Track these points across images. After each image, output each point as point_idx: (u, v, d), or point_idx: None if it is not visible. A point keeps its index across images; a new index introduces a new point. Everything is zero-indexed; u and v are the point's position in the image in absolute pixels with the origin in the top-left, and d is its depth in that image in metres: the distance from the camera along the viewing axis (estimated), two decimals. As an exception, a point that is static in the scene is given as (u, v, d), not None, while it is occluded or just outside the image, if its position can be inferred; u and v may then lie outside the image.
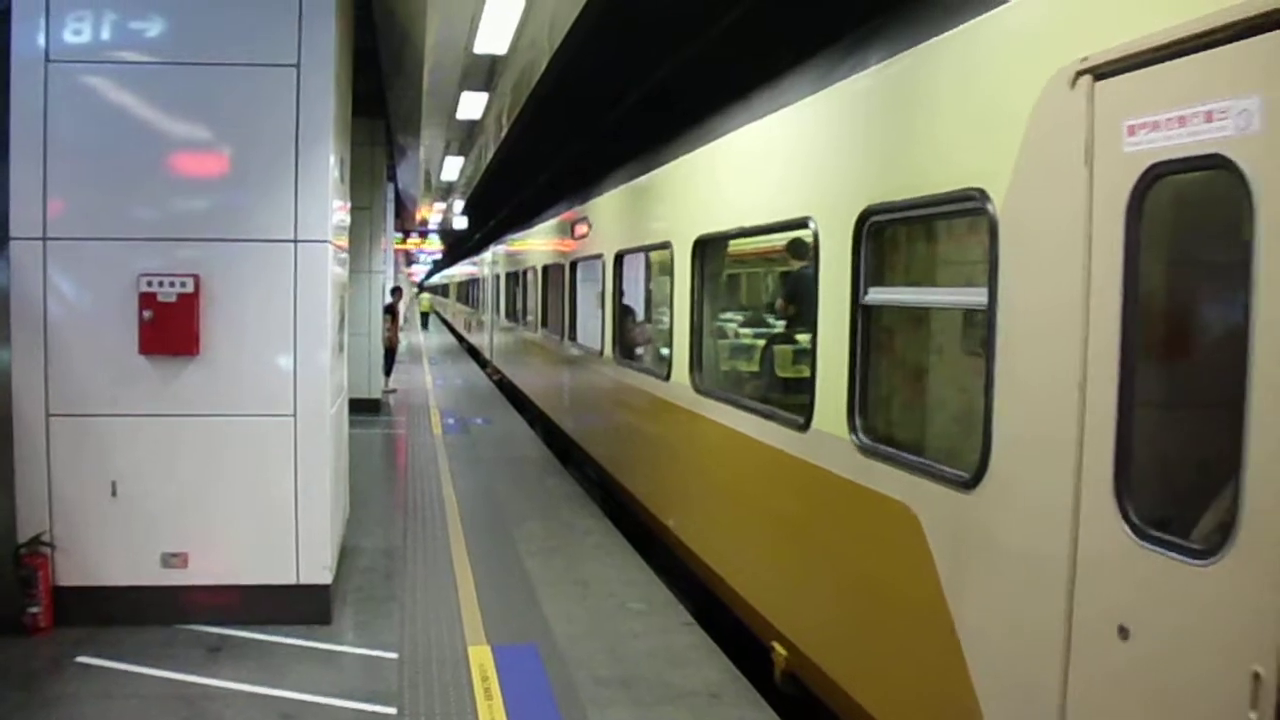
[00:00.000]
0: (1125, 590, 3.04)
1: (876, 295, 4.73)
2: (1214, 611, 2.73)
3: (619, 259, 9.96)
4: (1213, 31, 2.72)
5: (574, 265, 12.44)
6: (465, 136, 16.03)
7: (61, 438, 6.40)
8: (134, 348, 6.37)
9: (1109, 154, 3.13)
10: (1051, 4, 3.50)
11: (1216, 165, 2.75)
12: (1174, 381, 3.23)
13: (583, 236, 11.98)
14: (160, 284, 6.35)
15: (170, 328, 6.35)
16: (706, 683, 5.91)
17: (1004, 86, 3.69)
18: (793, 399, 5.85)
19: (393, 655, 6.20)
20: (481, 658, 6.18)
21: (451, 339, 42.85)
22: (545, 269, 14.95)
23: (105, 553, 6.47)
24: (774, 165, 5.98)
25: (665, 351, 8.24)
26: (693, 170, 7.55)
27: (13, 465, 6.38)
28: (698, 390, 7.31)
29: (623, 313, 10.22)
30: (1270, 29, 2.57)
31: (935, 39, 4.20)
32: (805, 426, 5.33)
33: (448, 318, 52.83)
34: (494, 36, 8.82)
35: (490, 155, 18.34)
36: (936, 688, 4.03)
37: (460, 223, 34.19)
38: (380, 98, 13.83)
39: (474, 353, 32.00)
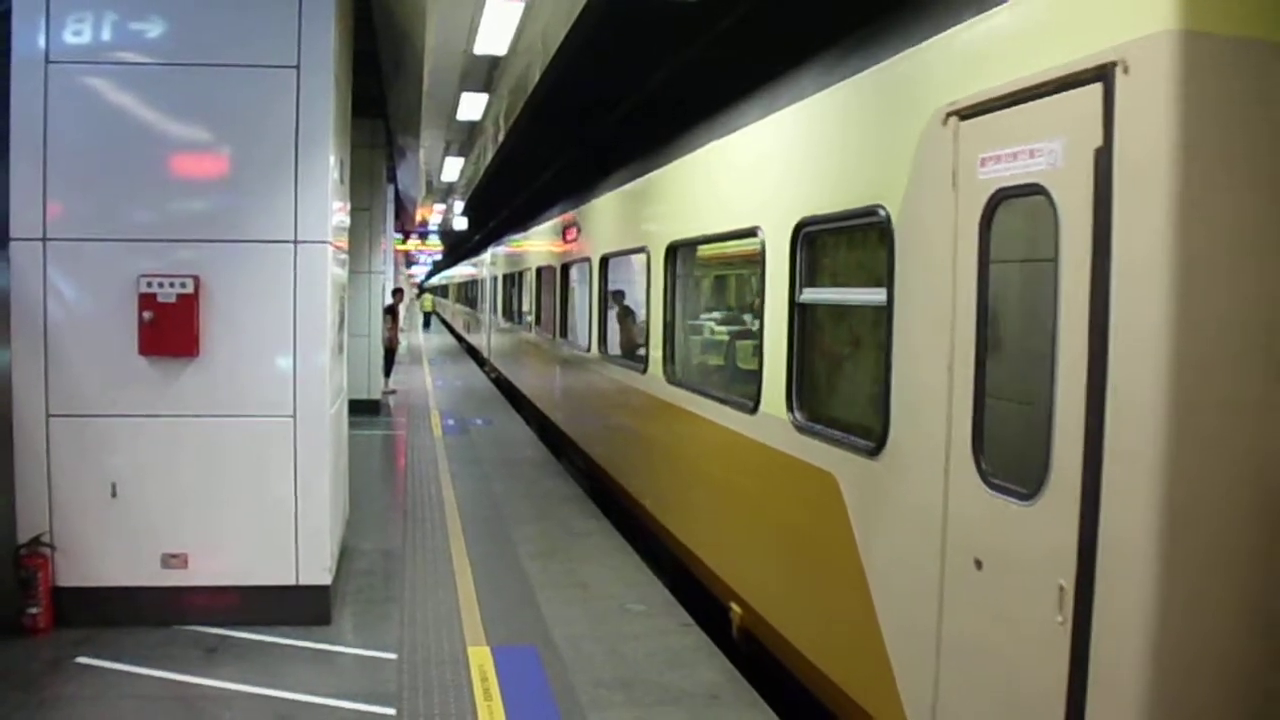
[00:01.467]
0: (981, 529, 3.81)
1: (809, 295, 5.54)
2: (1034, 540, 3.50)
3: (604, 262, 10.64)
4: (1036, 87, 3.46)
5: (564, 268, 13.19)
6: (465, 137, 16.03)
7: (61, 438, 6.41)
8: (134, 348, 6.38)
9: (968, 180, 3.88)
10: (931, 57, 4.25)
11: (1037, 192, 3.49)
12: (1010, 363, 3.93)
13: (572, 241, 12.73)
14: (160, 285, 6.35)
15: (170, 329, 6.36)
16: (706, 684, 5.91)
17: (899, 122, 4.44)
18: (747, 387, 6.39)
19: (392, 656, 6.20)
20: (481, 659, 6.18)
21: (451, 340, 42.84)
22: (539, 271, 15.70)
23: (105, 553, 6.47)
24: (731, 180, 6.75)
25: (643, 347, 8.94)
26: (666, 182, 8.35)
27: (12, 466, 6.38)
28: (670, 381, 8.05)
29: (607, 312, 10.83)
30: (1069, 88, 3.32)
31: (850, 80, 5.01)
32: (755, 410, 6.08)
33: (447, 318, 53.68)
34: (494, 38, 8.82)
35: (490, 156, 18.34)
36: (851, 624, 4.77)
37: (460, 224, 34.18)
38: (380, 99, 13.84)
39: (473, 353, 32.41)
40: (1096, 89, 3.21)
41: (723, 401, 6.78)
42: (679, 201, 8.07)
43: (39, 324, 6.37)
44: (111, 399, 6.44)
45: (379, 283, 17.47)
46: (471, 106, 12.52)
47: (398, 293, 22.77)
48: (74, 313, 6.43)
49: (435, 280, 73.02)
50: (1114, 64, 3.14)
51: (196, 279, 6.40)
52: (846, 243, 5.47)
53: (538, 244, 16.07)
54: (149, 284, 6.34)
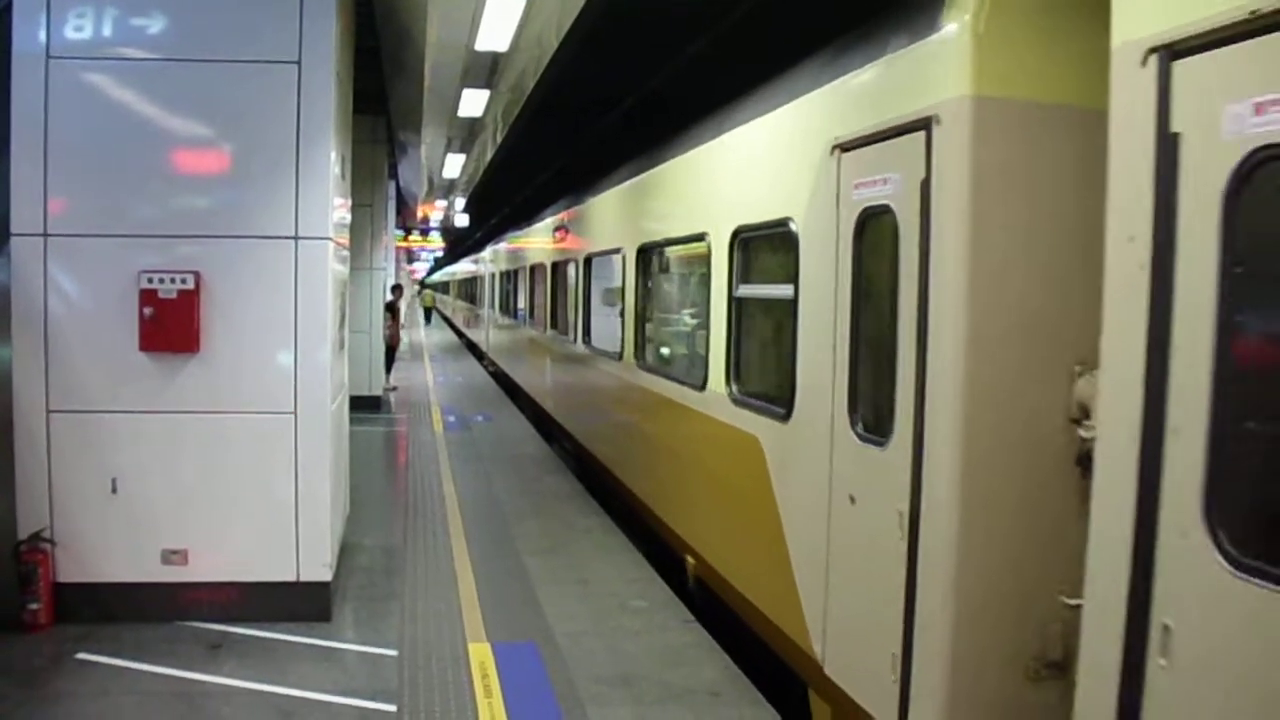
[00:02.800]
0: (853, 472, 4.88)
1: (743, 290, 6.63)
2: (885, 477, 4.52)
3: (588, 261, 11.67)
4: (887, 130, 4.54)
5: (554, 266, 14.26)
6: (467, 134, 16.01)
7: (62, 434, 6.41)
8: (134, 344, 6.37)
9: (846, 200, 4.97)
10: (826, 100, 5.31)
11: (888, 211, 4.57)
12: (872, 343, 4.84)
13: (562, 241, 13.77)
14: (161, 281, 6.35)
15: (171, 325, 6.35)
16: (706, 681, 5.91)
17: (804, 151, 5.45)
18: (698, 369, 7.47)
19: (393, 653, 6.20)
20: (481, 655, 6.18)
21: (452, 336, 42.84)
22: (532, 269, 16.78)
23: (105, 549, 6.47)
24: (688, 192, 7.89)
25: (619, 338, 9.93)
26: (638, 191, 9.46)
27: (13, 462, 6.38)
28: (640, 367, 9.17)
29: (592, 307, 11.77)
30: (906, 133, 4.38)
31: (772, 113, 6.05)
32: (703, 388, 7.20)
33: (447, 314, 54.17)
34: (495, 34, 8.80)
35: (491, 153, 18.32)
36: (770, 557, 5.81)
37: (461, 220, 34.16)
38: (381, 95, 13.81)
39: (473, 348, 32.72)
40: (921, 135, 4.30)
41: (680, 382, 7.91)
42: (648, 209, 9.16)
43: (40, 320, 6.36)
44: (112, 395, 6.44)
45: (380, 279, 17.46)
46: (473, 103, 12.49)
47: (397, 289, 22.72)
48: (75, 308, 6.43)
49: (436, 277, 73.09)
50: (932, 117, 4.22)
51: (197, 275, 6.40)
52: (769, 248, 6.40)
53: (531, 244, 17.12)
54: (150, 280, 6.34)
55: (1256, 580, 2.61)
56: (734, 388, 6.64)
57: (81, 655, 5.97)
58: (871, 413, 4.81)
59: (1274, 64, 2.64)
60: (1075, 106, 3.57)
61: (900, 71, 4.55)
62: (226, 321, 6.50)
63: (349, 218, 8.55)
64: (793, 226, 5.61)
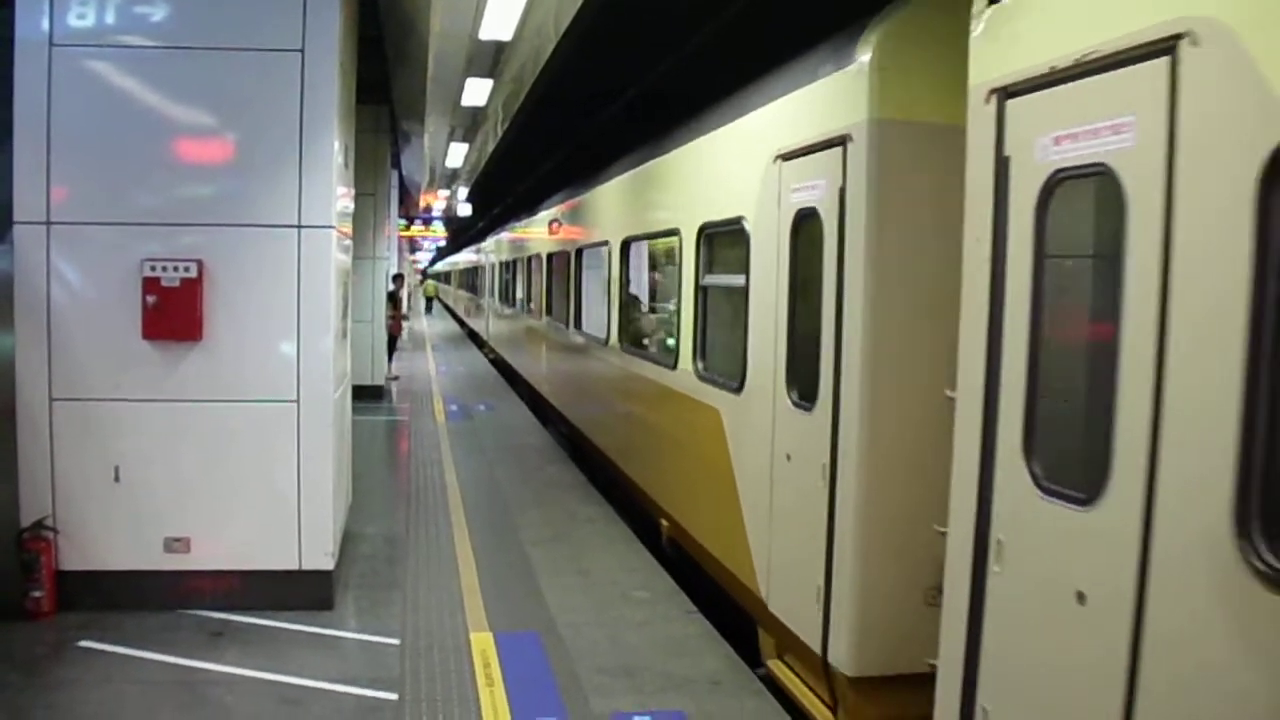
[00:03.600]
0: (789, 434, 5.71)
1: (707, 280, 7.45)
2: (812, 437, 5.35)
3: (579, 253, 12.49)
4: (814, 144, 5.38)
5: (549, 258, 15.09)
6: (470, 123, 15.99)
7: (64, 422, 6.41)
8: (137, 333, 6.37)
9: (785, 202, 5.80)
10: (770, 114, 6.12)
11: (815, 214, 5.37)
12: (803, 326, 5.61)
13: (556, 234, 14.57)
14: (164, 269, 6.34)
15: (173, 313, 6.35)
16: (708, 671, 5.92)
17: (753, 159, 6.26)
18: (670, 351, 8.30)
19: (395, 641, 6.21)
20: (483, 644, 6.19)
21: (454, 326, 42.86)
22: (529, 260, 17.75)
23: (108, 537, 6.48)
24: (664, 192, 8.77)
25: (605, 324, 10.71)
26: (621, 189, 10.34)
27: (15, 450, 6.38)
28: (623, 350, 9.99)
29: (582, 295, 12.53)
30: (828, 148, 5.20)
31: (730, 124, 6.84)
32: (674, 367, 8.02)
33: (449, 303, 54.61)
34: (499, 22, 8.78)
35: (494, 142, 18.29)
36: (726, 512, 6.55)
37: (464, 210, 34.11)
38: (385, 84, 13.79)
39: (474, 337, 33.03)
40: (839, 149, 5.12)
41: (656, 362, 8.69)
42: (630, 206, 10.00)
43: (42, 308, 6.36)
44: (115, 383, 6.44)
45: (383, 269, 17.45)
46: (476, 92, 12.48)
47: (398, 278, 22.69)
48: (77, 297, 6.42)
49: (439, 267, 73.13)
50: (846, 135, 5.06)
51: (200, 263, 6.39)
52: (728, 243, 7.04)
53: (529, 236, 17.95)
54: (152, 268, 6.33)
55: (1058, 501, 3.41)
56: (699, 366, 7.48)
57: (84, 643, 5.98)
58: (803, 384, 5.62)
59: (1065, 107, 3.40)
60: (960, 128, 3.99)
61: (826, 94, 5.36)
62: (229, 310, 6.49)
63: (352, 207, 8.54)
64: (745, 225, 6.42)
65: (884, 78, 4.87)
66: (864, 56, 4.94)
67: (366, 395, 15.25)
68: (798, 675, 5.72)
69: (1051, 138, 3.48)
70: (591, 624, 6.61)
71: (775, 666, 5.97)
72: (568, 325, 13.07)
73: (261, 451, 6.58)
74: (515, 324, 20.17)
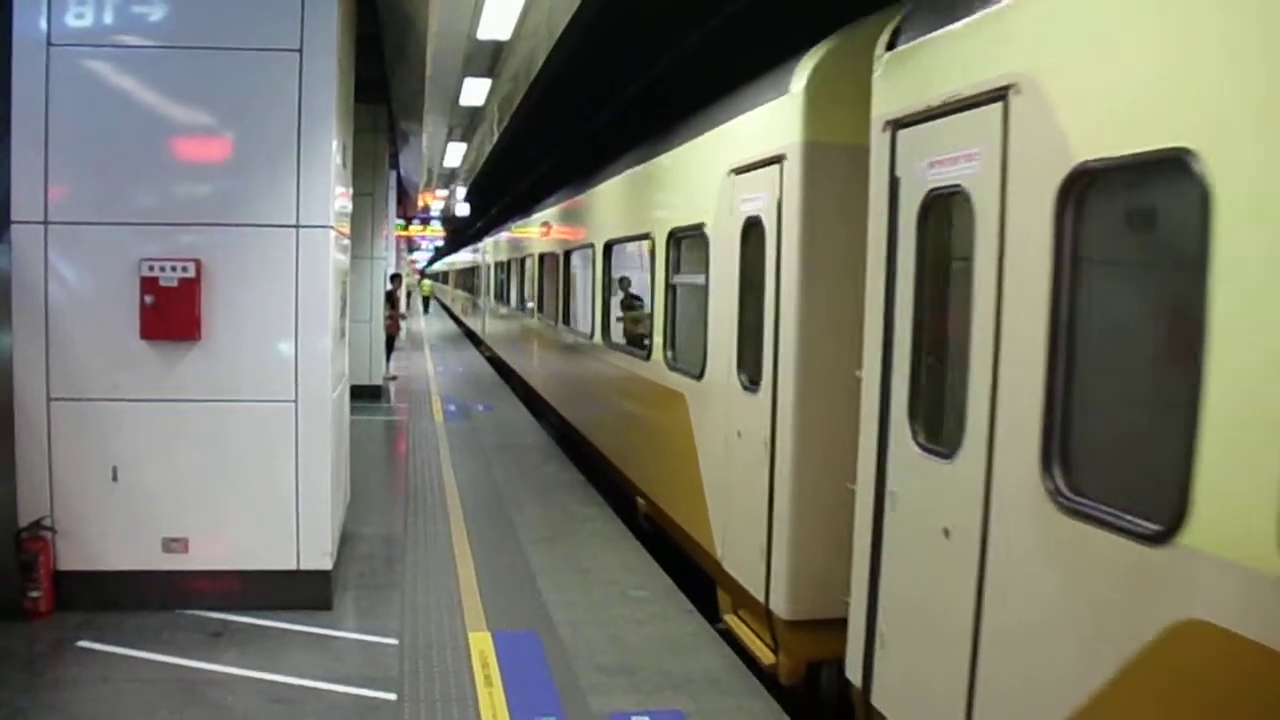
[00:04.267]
0: (740, 413, 6.41)
1: (675, 279, 8.26)
2: (757, 416, 6.07)
3: (568, 254, 13.37)
4: (758, 162, 6.14)
5: (541, 259, 15.99)
6: (468, 123, 15.99)
7: (63, 422, 6.41)
8: (135, 332, 6.37)
9: (736, 211, 6.52)
10: (726, 133, 6.87)
11: (759, 222, 6.17)
12: (751, 320, 6.32)
13: (546, 237, 15.45)
14: (162, 269, 6.34)
15: (171, 313, 6.35)
16: (707, 670, 5.92)
17: (713, 172, 7.02)
18: (644, 344, 9.20)
19: (393, 641, 6.21)
20: (482, 644, 6.19)
21: (452, 326, 42.87)
22: (522, 260, 18.75)
23: (106, 537, 6.48)
24: (639, 200, 9.58)
25: (591, 320, 11.53)
26: (603, 196, 11.17)
27: (14, 450, 6.38)
28: (605, 344, 10.82)
29: (571, 293, 13.39)
30: (768, 165, 5.95)
31: (693, 140, 7.63)
32: (648, 358, 8.82)
33: (447, 303, 55.00)
34: (497, 22, 8.79)
35: (492, 142, 18.29)
36: (691, 487, 7.34)
37: (462, 210, 34.11)
38: (383, 83, 13.78)
39: (472, 336, 33.39)
40: (776, 167, 5.90)
41: (631, 355, 9.53)
42: (612, 212, 10.80)
43: (40, 308, 6.36)
44: (113, 383, 6.44)
45: (381, 268, 17.45)
46: (474, 92, 12.48)
47: (396, 278, 22.68)
48: (75, 296, 6.42)
49: (436, 266, 73.25)
50: (782, 155, 5.82)
51: (198, 263, 6.39)
52: (693, 246, 7.80)
53: (522, 238, 18.93)
54: (151, 268, 6.33)
55: (931, 456, 4.24)
56: (669, 356, 8.29)
57: (82, 643, 5.98)
58: (750, 370, 6.36)
59: (937, 138, 4.17)
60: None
61: (767, 118, 6.12)
62: (227, 310, 6.49)
63: (350, 206, 8.54)
64: (706, 230, 7.18)
65: (812, 106, 5.65)
66: (796, 87, 5.72)
67: (365, 395, 15.25)
68: (749, 627, 6.46)
69: (928, 162, 4.27)
70: (590, 623, 6.61)
71: (730, 620, 6.73)
72: (557, 323, 13.98)
73: (260, 451, 6.57)
74: (509, 322, 21.11)
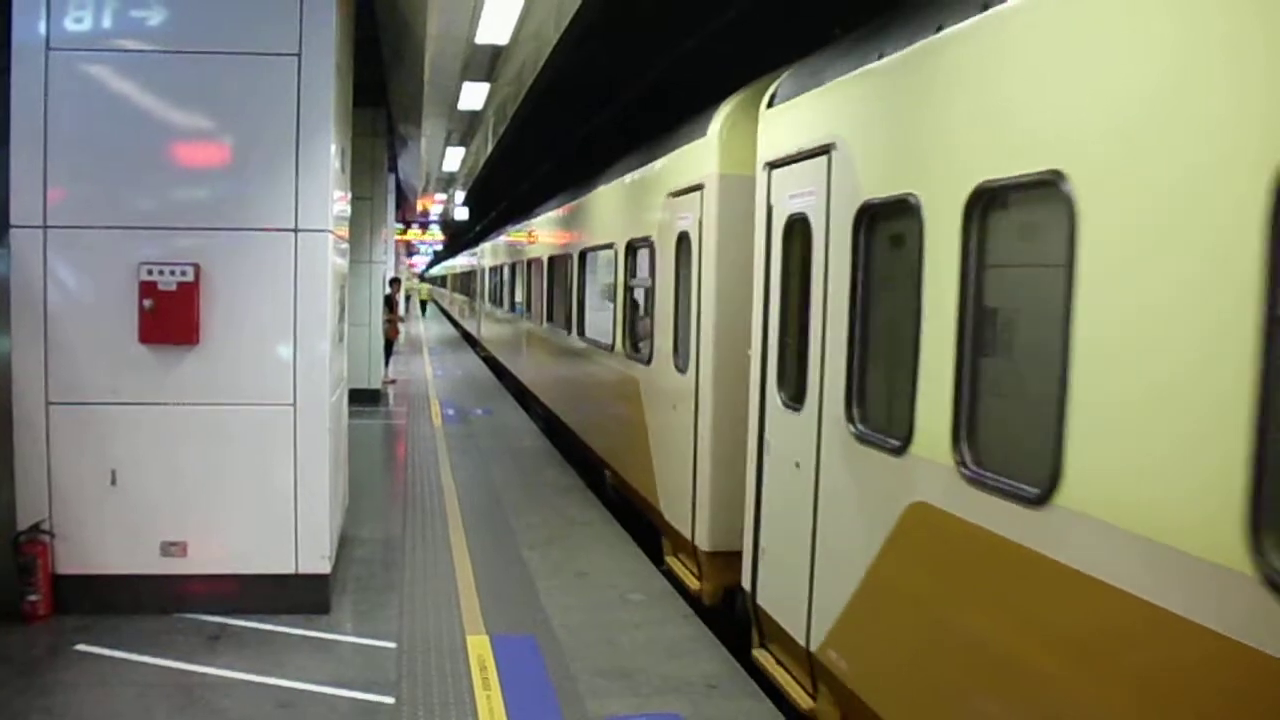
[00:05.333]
0: (675, 391, 7.79)
1: (631, 282, 9.72)
2: (687, 391, 7.45)
3: (551, 261, 14.99)
4: (686, 189, 7.64)
5: (528, 264, 17.74)
6: (467, 127, 15.99)
7: (61, 426, 6.41)
8: (134, 336, 6.38)
9: (672, 226, 7.97)
10: (668, 163, 8.38)
11: (688, 236, 7.60)
12: (682, 316, 7.76)
13: (533, 244, 17.21)
14: (160, 273, 6.35)
15: (170, 316, 6.36)
16: (704, 674, 5.92)
17: (658, 194, 8.55)
18: (609, 338, 10.57)
19: (391, 645, 6.22)
20: (480, 648, 6.19)
21: (450, 330, 42.88)
22: (514, 265, 20.48)
23: (104, 541, 6.48)
24: (608, 214, 11.06)
25: (569, 319, 13.04)
26: (579, 209, 12.91)
27: (12, 453, 6.39)
28: (580, 339, 12.32)
29: (553, 296, 14.82)
30: (693, 191, 7.44)
31: (645, 166, 9.23)
32: (612, 350, 10.33)
33: (445, 306, 56.15)
34: (495, 27, 8.80)
35: (491, 147, 18.30)
36: (642, 454, 8.88)
37: (461, 214, 34.10)
38: (382, 87, 13.80)
39: (469, 339, 34.13)
40: (699, 192, 7.37)
41: (602, 347, 11.00)
42: (585, 224, 12.48)
43: (39, 312, 6.36)
44: (112, 387, 6.44)
45: (380, 272, 17.46)
46: (473, 96, 12.49)
47: (395, 282, 22.67)
48: (74, 300, 6.43)
49: (435, 271, 73.49)
50: (702, 184, 7.31)
51: (197, 267, 6.40)
52: (645, 255, 9.21)
53: (514, 244, 20.66)
54: (149, 272, 6.34)
55: (788, 410, 5.72)
56: (626, 347, 9.80)
57: (80, 646, 5.98)
58: (682, 355, 7.79)
59: (794, 179, 5.65)
60: None
61: (694, 154, 7.63)
62: (226, 313, 6.50)
63: (348, 210, 8.55)
64: (652, 241, 8.77)
65: (724, 147, 7.11)
66: (713, 131, 7.21)
67: (363, 399, 15.26)
68: (683, 564, 7.83)
69: (789, 195, 5.75)
70: (588, 627, 6.62)
71: (671, 561, 8.10)
72: (541, 322, 15.73)
73: (258, 455, 6.58)
74: (502, 323, 23.04)
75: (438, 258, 70.44)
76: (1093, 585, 3.16)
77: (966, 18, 4.01)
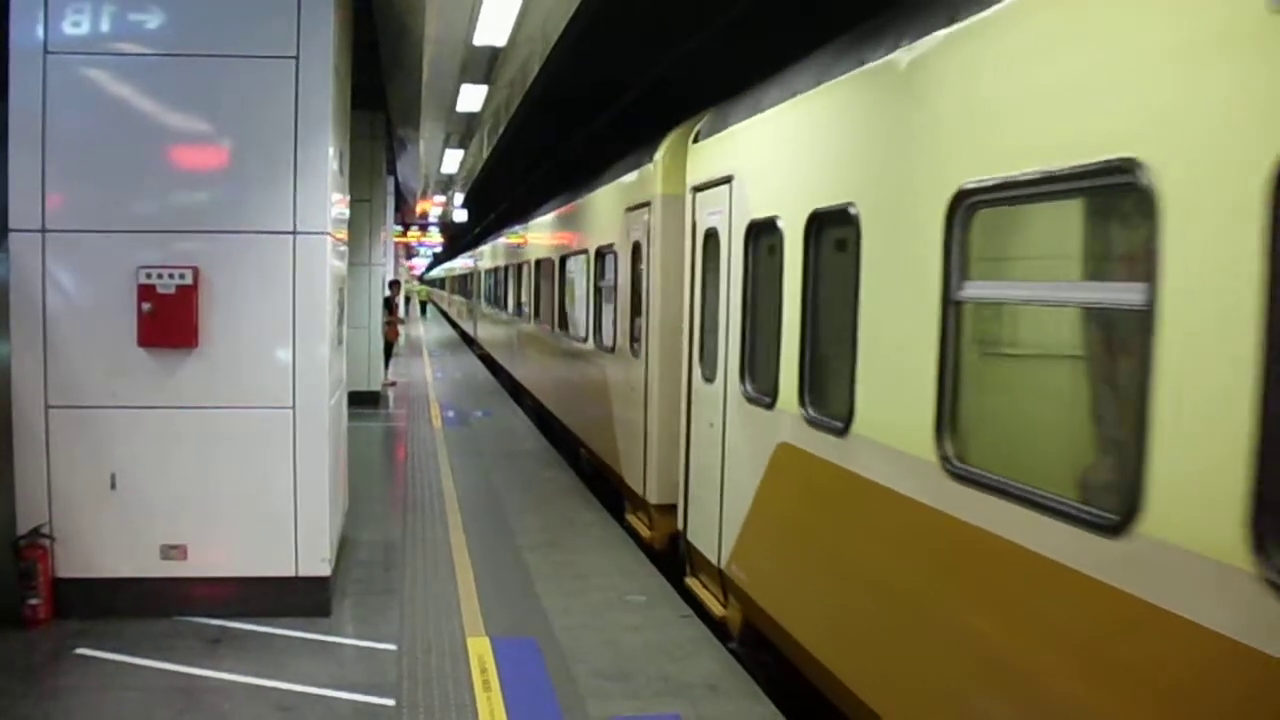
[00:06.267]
0: (630, 374, 9.47)
1: (599, 283, 11.16)
2: (639, 372, 9.21)
3: (538, 264, 16.58)
4: (639, 205, 9.40)
5: (519, 267, 19.42)
6: (465, 129, 15.99)
7: (61, 430, 6.41)
8: (133, 340, 6.38)
9: (628, 236, 9.77)
10: (626, 185, 9.91)
11: (640, 245, 9.30)
12: (636, 311, 9.34)
13: (522, 249, 19.00)
14: (159, 276, 6.35)
15: (169, 320, 6.36)
16: (705, 675, 5.92)
17: (618, 209, 10.17)
18: (584, 331, 12.05)
19: (392, 647, 6.22)
20: (480, 650, 6.19)
21: (450, 331, 42.90)
22: (506, 268, 22.06)
23: (104, 544, 6.48)
24: (580, 224, 12.82)
25: (553, 316, 14.75)
26: (558, 220, 14.69)
27: (12, 457, 6.38)
28: (562, 334, 13.81)
29: (539, 296, 16.45)
30: (643, 207, 9.24)
31: (605, 186, 11.03)
32: (585, 341, 11.91)
33: (444, 308, 57.23)
34: (493, 28, 8.80)
35: (490, 148, 18.30)
36: (609, 433, 10.36)
37: (460, 216, 34.10)
38: (380, 90, 13.80)
39: (467, 339, 34.79)
40: (647, 208, 8.94)
41: (577, 339, 12.58)
42: (564, 232, 14.16)
43: (38, 316, 6.36)
44: (111, 390, 6.44)
45: (379, 275, 17.46)
46: (471, 98, 12.49)
47: (394, 285, 22.67)
48: (73, 304, 6.43)
49: (434, 273, 73.75)
50: (650, 201, 8.87)
51: (195, 270, 6.40)
52: (611, 260, 10.65)
53: (506, 249, 22.40)
54: (148, 275, 6.34)
55: (706, 383, 7.23)
56: (595, 338, 11.25)
57: (81, 650, 5.98)
58: (637, 345, 9.28)
59: (709, 201, 7.14)
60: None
61: (644, 176, 9.22)
62: (225, 317, 6.50)
63: (347, 213, 8.55)
64: (614, 248, 10.37)
65: (665, 172, 8.64)
66: (657, 159, 8.78)
67: (363, 401, 15.25)
68: (639, 519, 9.31)
69: (707, 213, 7.29)
70: (588, 628, 6.62)
71: (630, 518, 9.57)
72: (529, 320, 17.50)
73: (258, 458, 6.58)
74: (497, 323, 24.71)
75: (437, 260, 70.49)
76: (874, 487, 4.71)
77: (808, 89, 5.60)
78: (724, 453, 6.77)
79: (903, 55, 4.54)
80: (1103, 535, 3.15)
